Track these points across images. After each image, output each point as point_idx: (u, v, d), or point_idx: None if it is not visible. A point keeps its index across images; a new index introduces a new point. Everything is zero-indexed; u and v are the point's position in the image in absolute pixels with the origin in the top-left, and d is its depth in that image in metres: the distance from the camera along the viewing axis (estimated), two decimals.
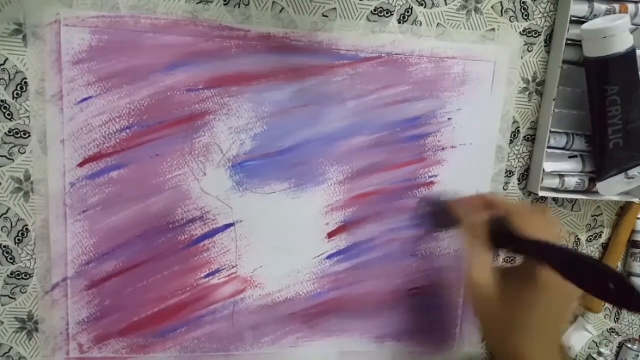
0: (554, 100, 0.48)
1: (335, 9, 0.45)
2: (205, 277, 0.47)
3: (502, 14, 0.48)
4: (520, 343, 0.37)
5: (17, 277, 0.44)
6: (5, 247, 0.44)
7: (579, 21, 0.47)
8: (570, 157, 0.51)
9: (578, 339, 0.57)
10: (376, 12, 0.46)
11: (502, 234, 0.39)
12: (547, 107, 0.49)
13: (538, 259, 0.37)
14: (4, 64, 0.41)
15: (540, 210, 0.41)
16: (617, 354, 0.60)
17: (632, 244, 0.56)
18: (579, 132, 0.51)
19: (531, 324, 0.37)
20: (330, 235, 0.49)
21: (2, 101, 0.41)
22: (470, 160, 0.50)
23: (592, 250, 0.56)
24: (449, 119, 0.49)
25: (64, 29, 0.41)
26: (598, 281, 0.32)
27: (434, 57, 0.47)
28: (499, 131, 0.50)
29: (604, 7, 0.47)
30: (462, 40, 0.48)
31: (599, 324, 0.58)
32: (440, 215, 0.48)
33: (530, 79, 0.50)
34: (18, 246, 0.44)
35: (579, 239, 0.55)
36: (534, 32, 0.49)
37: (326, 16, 0.45)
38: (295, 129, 0.46)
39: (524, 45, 0.49)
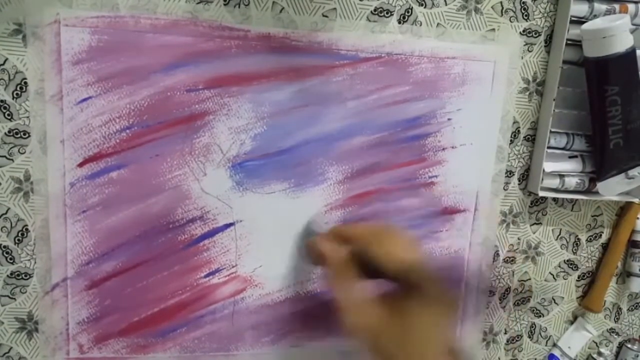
0: (554, 100, 0.48)
1: (335, 9, 0.45)
2: (205, 276, 0.47)
3: (502, 14, 0.48)
4: None
5: (17, 277, 0.44)
6: (5, 247, 0.44)
7: (579, 21, 0.47)
8: (570, 157, 0.51)
9: (578, 339, 0.58)
10: (376, 12, 0.46)
11: (366, 266, 0.38)
12: (547, 107, 0.49)
13: (406, 282, 0.36)
14: (3, 64, 0.41)
15: (395, 231, 0.40)
16: (617, 354, 0.60)
17: (631, 243, 0.56)
18: (579, 132, 0.51)
19: (409, 345, 0.36)
20: None
21: (1, 101, 0.41)
22: (470, 160, 0.50)
23: (592, 250, 0.56)
24: (449, 119, 0.49)
25: (63, 29, 0.41)
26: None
27: (434, 57, 0.47)
28: (499, 131, 0.50)
29: (603, 7, 0.47)
30: (462, 40, 0.48)
31: (599, 324, 0.58)
32: (306, 252, 0.47)
33: (530, 79, 0.50)
34: (18, 246, 0.44)
35: (579, 239, 0.55)
36: (534, 32, 0.49)
37: (326, 16, 0.45)
38: (295, 129, 0.46)
39: (524, 45, 0.49)
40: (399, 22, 0.46)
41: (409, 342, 0.36)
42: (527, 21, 0.49)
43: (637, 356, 0.58)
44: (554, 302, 0.57)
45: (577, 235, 0.55)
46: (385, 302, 0.37)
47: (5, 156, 0.42)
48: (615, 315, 0.59)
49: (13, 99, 0.41)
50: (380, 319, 0.37)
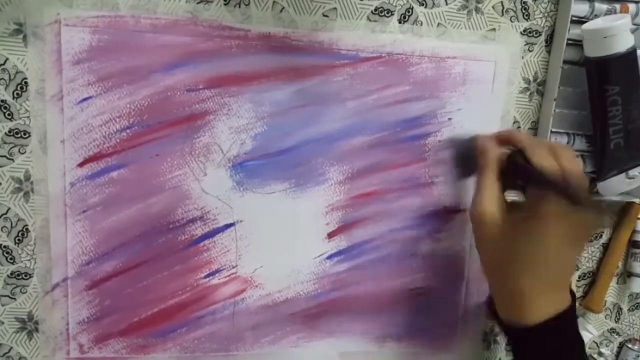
0: (555, 100, 0.48)
1: (335, 8, 0.45)
2: (205, 277, 0.47)
3: (502, 14, 0.48)
4: (521, 278, 0.36)
5: (17, 277, 0.44)
6: (5, 247, 0.44)
7: (580, 21, 0.47)
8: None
9: None
10: (376, 12, 0.46)
11: (515, 167, 0.39)
12: (547, 107, 0.49)
13: (547, 192, 0.36)
14: (4, 64, 0.41)
15: (561, 147, 0.39)
16: (618, 354, 0.60)
17: (632, 243, 0.56)
18: (579, 132, 0.51)
19: (534, 260, 0.36)
20: (331, 235, 0.49)
21: (2, 101, 0.41)
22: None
23: (592, 250, 0.56)
24: (449, 118, 0.49)
25: (64, 29, 0.41)
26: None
27: (434, 56, 0.47)
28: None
29: (604, 6, 0.47)
30: (462, 40, 0.47)
31: (599, 324, 0.58)
32: (462, 155, 0.48)
33: (531, 78, 0.50)
34: (18, 246, 0.44)
35: None
36: (534, 32, 0.49)
37: (326, 16, 0.45)
38: (295, 129, 0.46)
39: (525, 45, 0.49)
40: (400, 22, 0.46)
41: (523, 261, 0.36)
42: (527, 21, 0.48)
43: (638, 356, 0.58)
44: None
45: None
46: (516, 208, 0.38)
47: (5, 156, 0.42)
48: (616, 316, 0.59)
49: (13, 98, 0.41)
50: (507, 222, 0.37)
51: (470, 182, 0.48)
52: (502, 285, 0.38)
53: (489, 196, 0.39)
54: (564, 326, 0.38)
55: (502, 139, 0.43)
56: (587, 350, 0.59)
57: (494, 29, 0.48)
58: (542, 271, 0.36)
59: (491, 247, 0.38)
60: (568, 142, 0.50)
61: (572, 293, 0.40)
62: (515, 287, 0.37)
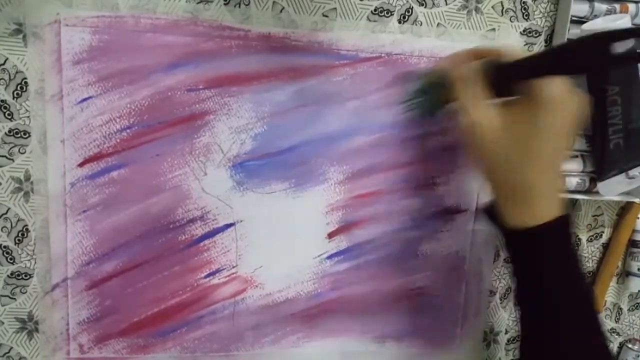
0: None
1: (335, 8, 0.45)
2: (206, 277, 0.47)
3: (502, 14, 0.48)
4: (528, 173, 0.36)
5: (17, 277, 0.44)
6: (5, 247, 0.44)
7: (580, 21, 0.47)
8: (570, 157, 0.51)
9: None
10: (376, 12, 0.46)
11: (496, 72, 0.37)
12: None
13: (535, 75, 0.35)
14: (4, 64, 0.41)
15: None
16: (618, 354, 0.60)
17: (632, 243, 0.56)
18: (579, 132, 0.51)
19: (537, 149, 0.36)
20: (331, 235, 0.49)
21: (2, 101, 0.41)
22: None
23: (592, 250, 0.56)
24: (450, 119, 0.49)
25: (63, 29, 0.41)
26: (595, 52, 0.32)
27: (434, 56, 0.47)
28: None
29: (604, 7, 0.47)
30: (462, 40, 0.47)
31: None
32: (430, 84, 0.45)
33: None
34: (18, 246, 0.44)
35: (579, 239, 0.55)
36: (534, 32, 0.49)
37: (326, 16, 0.45)
38: (295, 129, 0.46)
39: (524, 45, 0.49)
40: (399, 22, 0.46)
41: (527, 153, 0.36)
42: (527, 21, 0.49)
43: (638, 356, 0.58)
44: None
45: (577, 235, 0.55)
46: (509, 105, 0.37)
47: (5, 156, 0.42)
48: (616, 316, 0.59)
49: (13, 98, 0.41)
50: (503, 121, 0.36)
51: (445, 110, 0.46)
52: (509, 185, 0.37)
53: (478, 106, 0.38)
54: (568, 229, 0.38)
55: (473, 56, 0.41)
56: None
57: (494, 29, 0.48)
58: (546, 162, 0.36)
59: (494, 150, 0.37)
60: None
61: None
62: (523, 183, 0.36)
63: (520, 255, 0.39)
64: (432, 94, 0.45)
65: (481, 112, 0.37)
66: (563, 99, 0.35)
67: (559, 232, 0.37)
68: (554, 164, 0.37)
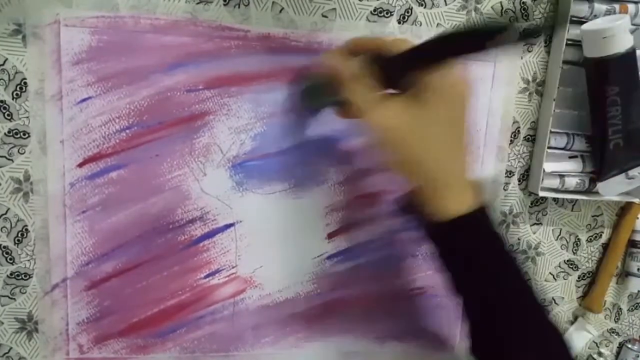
0: (554, 100, 0.48)
1: (334, 9, 0.45)
2: (205, 277, 0.47)
3: (501, 14, 0.48)
4: (440, 161, 0.37)
5: (17, 278, 0.44)
6: (4, 247, 0.44)
7: (579, 21, 0.47)
8: (570, 157, 0.51)
9: (578, 339, 0.57)
10: (376, 12, 0.46)
11: (382, 67, 0.36)
12: (547, 107, 0.49)
13: (420, 66, 0.35)
14: (3, 64, 0.41)
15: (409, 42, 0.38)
16: (617, 354, 0.60)
17: (631, 243, 0.56)
18: (579, 132, 0.51)
19: (442, 139, 0.36)
20: (331, 235, 0.49)
21: (1, 101, 0.41)
22: (471, 161, 0.50)
23: (592, 250, 0.56)
24: None
25: (63, 29, 0.41)
26: (471, 45, 0.33)
27: None
28: (499, 131, 0.50)
29: (603, 7, 0.47)
30: None
31: (599, 324, 0.58)
32: (316, 85, 0.43)
33: (530, 79, 0.50)
34: (17, 246, 0.44)
35: (579, 239, 0.55)
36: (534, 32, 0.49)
37: (326, 16, 0.45)
38: (295, 129, 0.46)
39: (524, 45, 0.49)
40: (399, 23, 0.46)
41: (435, 138, 0.36)
42: (527, 21, 0.48)
43: (638, 356, 0.58)
44: (554, 302, 0.56)
45: (577, 236, 0.55)
46: (407, 103, 0.36)
47: (5, 156, 0.42)
48: (616, 316, 0.59)
49: (13, 99, 0.41)
50: (402, 115, 0.36)
51: (327, 110, 0.44)
52: (426, 178, 0.37)
53: (373, 107, 0.37)
54: (487, 219, 0.38)
55: (351, 51, 0.40)
56: (587, 351, 0.59)
57: None
58: (455, 150, 0.37)
59: (403, 147, 0.37)
60: (568, 142, 0.50)
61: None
62: (439, 175, 0.37)
63: (451, 246, 0.39)
64: (320, 93, 0.43)
65: (380, 112, 0.36)
66: (452, 85, 0.36)
67: (483, 217, 0.38)
68: (462, 150, 0.38)
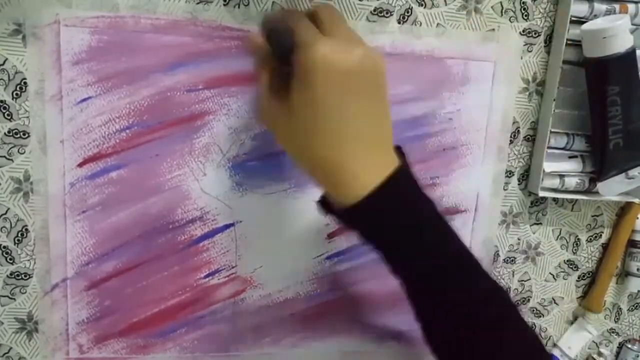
0: (554, 100, 0.48)
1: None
2: (205, 277, 0.47)
3: (502, 14, 0.48)
4: (329, 149, 0.33)
5: (17, 278, 0.44)
6: (4, 247, 0.44)
7: (579, 21, 0.47)
8: (570, 157, 0.51)
9: (578, 339, 0.58)
10: (376, 12, 0.46)
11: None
12: (547, 107, 0.49)
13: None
14: (3, 64, 0.41)
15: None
16: (617, 354, 0.60)
17: (631, 243, 0.56)
18: (579, 132, 0.51)
19: (329, 120, 0.32)
20: (331, 235, 0.49)
21: (1, 101, 0.41)
22: (471, 161, 0.50)
23: (592, 250, 0.56)
24: (450, 119, 0.49)
25: (63, 29, 0.41)
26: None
27: (433, 57, 0.47)
28: (499, 131, 0.50)
29: (604, 7, 0.47)
30: (462, 40, 0.47)
31: (599, 324, 0.58)
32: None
33: (530, 79, 0.50)
34: (17, 246, 0.44)
35: (579, 239, 0.55)
36: (533, 32, 0.49)
37: None
38: None
39: (524, 45, 0.49)
40: (399, 22, 0.46)
41: (326, 113, 0.32)
42: (527, 21, 0.48)
43: (638, 356, 0.58)
44: (554, 302, 0.56)
45: (577, 236, 0.55)
46: (289, 92, 0.33)
47: (5, 156, 0.42)
48: (616, 316, 0.59)
49: (13, 99, 0.41)
50: (282, 112, 0.34)
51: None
52: (320, 167, 0.34)
53: (260, 98, 0.35)
54: (401, 189, 0.34)
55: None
56: (587, 351, 0.59)
57: (493, 29, 0.48)
58: (346, 132, 0.32)
59: (288, 134, 0.34)
60: (568, 142, 0.50)
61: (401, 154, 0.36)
62: (331, 160, 0.33)
63: (372, 227, 0.35)
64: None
65: (262, 105, 0.35)
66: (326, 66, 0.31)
67: (391, 195, 0.34)
68: (352, 131, 0.33)
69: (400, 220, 0.34)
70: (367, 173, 0.33)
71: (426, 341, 0.38)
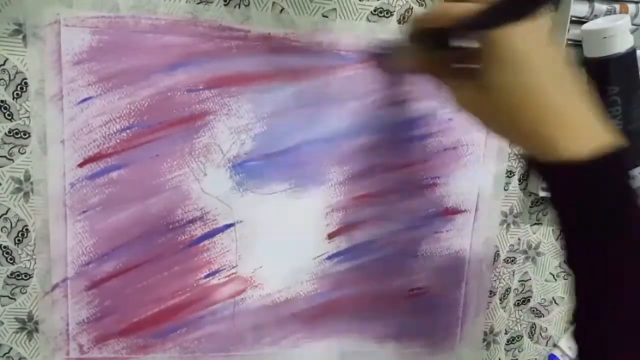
0: None
1: (335, 9, 0.45)
2: (205, 277, 0.47)
3: None
4: (542, 111, 0.32)
5: (17, 278, 0.44)
6: (5, 247, 0.44)
7: (579, 21, 0.47)
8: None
9: None
10: (376, 13, 0.46)
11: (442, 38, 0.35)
12: None
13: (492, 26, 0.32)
14: (3, 64, 0.41)
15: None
16: None
17: None
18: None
19: (534, 82, 0.32)
20: (331, 235, 0.49)
21: (2, 101, 0.41)
22: (471, 161, 0.50)
23: None
24: (450, 119, 0.49)
25: (63, 29, 0.41)
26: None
27: None
28: None
29: (604, 7, 0.47)
30: None
31: None
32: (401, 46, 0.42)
33: None
34: (18, 246, 0.44)
35: None
36: None
37: (326, 17, 0.45)
38: (295, 130, 0.46)
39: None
40: (399, 23, 0.46)
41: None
42: None
43: None
44: (555, 302, 0.56)
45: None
46: (475, 85, 0.34)
47: (5, 156, 0.42)
48: None
49: (13, 99, 0.41)
50: (477, 100, 0.35)
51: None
52: (532, 138, 0.33)
53: (453, 89, 0.36)
54: (625, 163, 0.34)
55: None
56: None
57: None
58: (553, 104, 0.32)
59: (491, 115, 0.35)
60: None
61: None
62: (544, 131, 0.32)
63: (560, 195, 0.34)
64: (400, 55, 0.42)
65: (461, 96, 0.36)
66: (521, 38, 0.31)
67: (623, 160, 0.33)
68: (560, 86, 0.33)
69: (617, 190, 0.34)
70: (581, 138, 0.34)
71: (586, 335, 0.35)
